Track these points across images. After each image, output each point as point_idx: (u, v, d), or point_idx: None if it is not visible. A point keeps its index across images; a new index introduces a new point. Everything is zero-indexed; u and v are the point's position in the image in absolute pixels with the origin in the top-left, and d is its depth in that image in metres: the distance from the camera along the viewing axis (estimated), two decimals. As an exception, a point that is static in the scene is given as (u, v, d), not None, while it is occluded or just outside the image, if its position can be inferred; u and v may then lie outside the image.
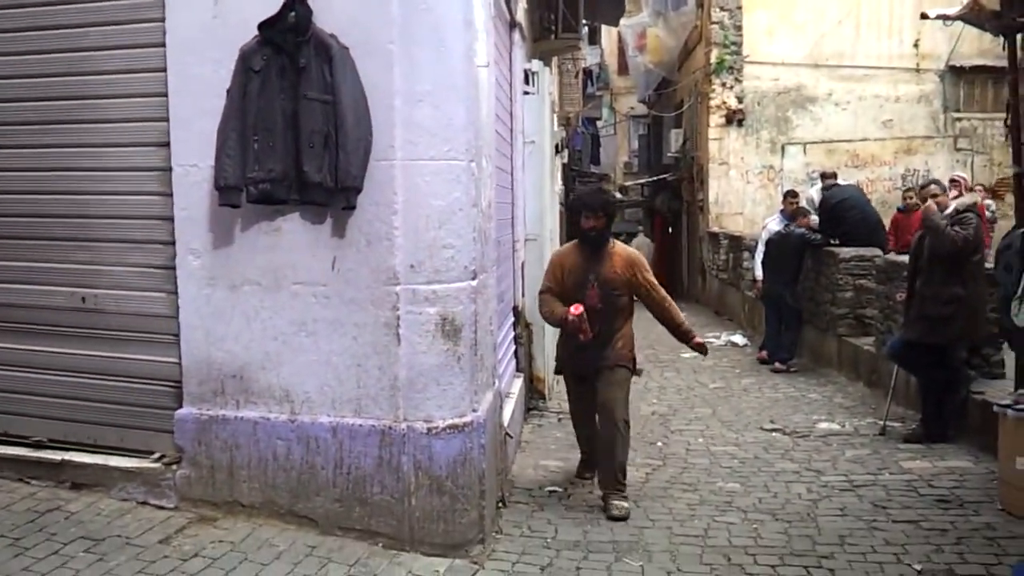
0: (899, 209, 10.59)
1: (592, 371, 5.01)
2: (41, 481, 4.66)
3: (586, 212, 4.99)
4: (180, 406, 4.40)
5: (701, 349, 5.32)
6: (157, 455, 4.48)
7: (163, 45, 4.32)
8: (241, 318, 4.25)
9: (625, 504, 4.75)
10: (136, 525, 4.20)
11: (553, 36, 9.56)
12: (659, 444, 6.25)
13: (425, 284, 3.99)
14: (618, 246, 5.18)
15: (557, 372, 5.59)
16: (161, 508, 4.38)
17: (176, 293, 4.37)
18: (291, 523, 4.18)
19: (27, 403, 4.80)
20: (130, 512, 4.35)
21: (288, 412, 4.18)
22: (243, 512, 4.26)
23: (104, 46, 4.48)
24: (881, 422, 6.65)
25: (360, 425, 4.06)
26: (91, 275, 4.61)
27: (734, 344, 11.46)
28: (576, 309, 4.77)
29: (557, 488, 5.14)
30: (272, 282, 4.19)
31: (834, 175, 10.95)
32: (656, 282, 5.15)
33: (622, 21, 17.68)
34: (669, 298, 5.17)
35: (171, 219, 4.36)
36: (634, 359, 5.12)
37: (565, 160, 16.38)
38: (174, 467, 4.39)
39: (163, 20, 4.30)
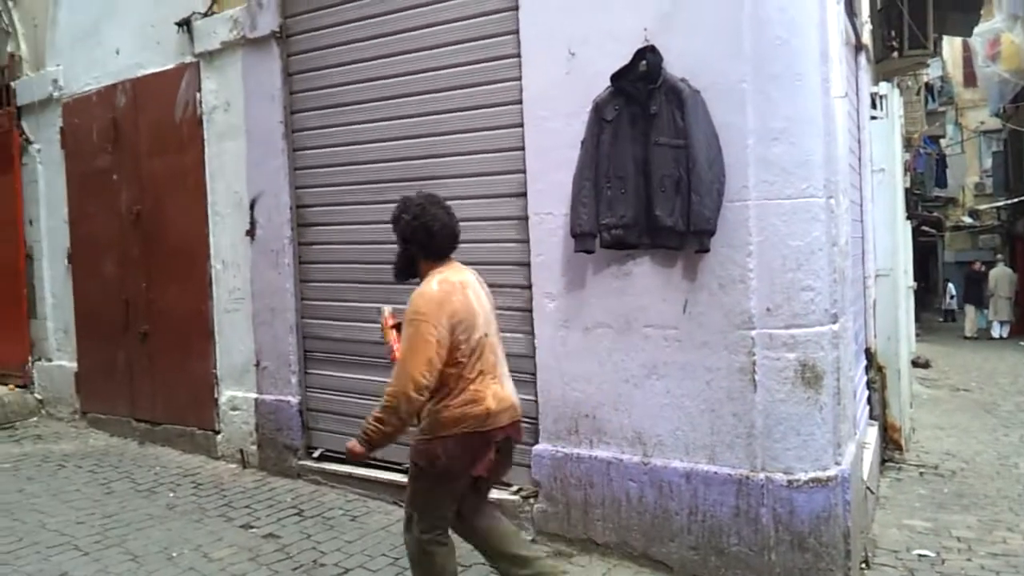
0: None
1: None
2: (413, 506, 5.09)
3: None
4: (536, 442, 4.59)
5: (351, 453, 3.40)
6: (515, 488, 4.70)
7: (519, 102, 4.61)
8: (593, 359, 4.35)
9: None
10: (498, 555, 4.42)
11: (897, 54, 8.88)
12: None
13: (783, 328, 3.82)
14: (425, 282, 3.44)
15: None
16: (520, 540, 4.58)
17: (532, 334, 4.60)
18: (645, 566, 4.17)
19: (400, 433, 5.28)
20: (494, 542, 4.59)
21: (640, 454, 4.20)
22: (597, 551, 4.33)
23: (465, 107, 4.89)
24: None
25: (715, 473, 3.97)
26: (456, 317, 4.98)
27: None
28: None
29: (928, 552, 4.64)
30: (623, 325, 4.25)
31: None
32: (416, 342, 3.23)
33: (972, 29, 16.07)
34: (404, 376, 3.21)
35: (527, 264, 4.61)
36: (434, 453, 3.31)
37: (907, 184, 15.13)
38: (531, 501, 4.58)
39: (519, 79, 4.59)
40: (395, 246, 5.19)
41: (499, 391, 3.43)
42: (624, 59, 4.10)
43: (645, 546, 4.18)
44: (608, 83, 4.14)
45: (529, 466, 4.61)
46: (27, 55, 8.09)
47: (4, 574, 4.32)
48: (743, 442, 3.92)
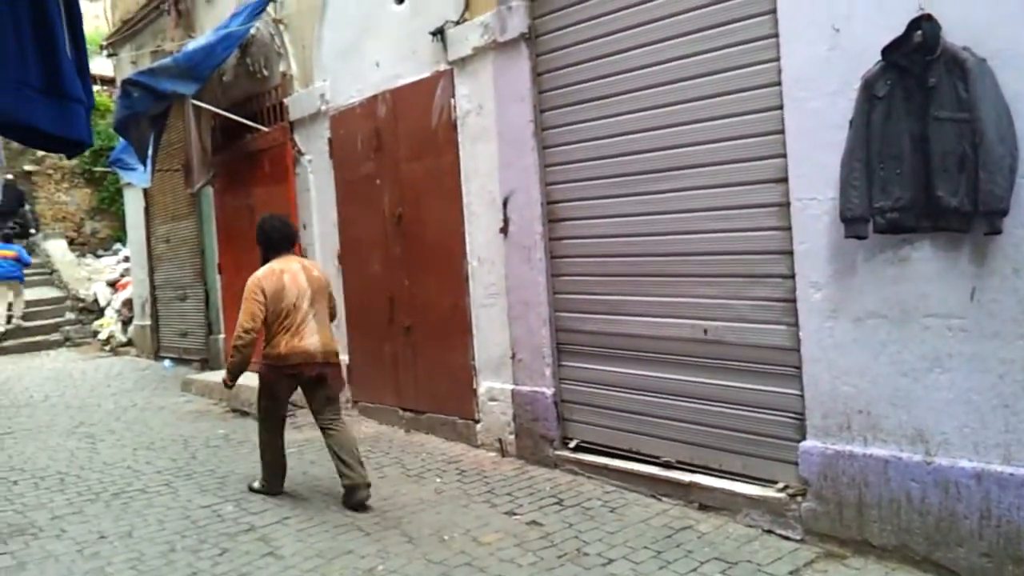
0: None
1: None
2: (671, 499, 5.08)
3: None
4: (803, 438, 4.42)
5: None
6: (781, 485, 4.56)
7: (778, 84, 4.44)
8: (866, 352, 4.12)
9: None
10: (764, 553, 4.32)
11: None
12: None
13: (1093, 316, 3.44)
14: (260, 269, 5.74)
15: None
16: (786, 539, 4.44)
17: (796, 326, 4.43)
18: (928, 571, 3.90)
19: (656, 425, 5.29)
20: (756, 539, 4.49)
21: (922, 453, 3.92)
22: (873, 553, 4.11)
23: (718, 93, 4.79)
24: None
25: (1011, 474, 3.62)
26: (712, 308, 4.91)
27: None
28: None
29: None
30: (899, 315, 3.99)
31: None
32: (244, 305, 5.51)
33: None
34: (237, 324, 5.52)
35: (790, 253, 4.44)
36: (261, 371, 5.73)
37: None
38: (798, 499, 4.42)
39: (777, 60, 4.43)
40: (642, 239, 5.28)
41: (292, 341, 5.45)
42: (895, 31, 3.83)
43: (928, 550, 3.91)
44: (878, 58, 3.89)
45: (796, 463, 4.45)
46: (297, 73, 8.88)
47: (298, 550, 4.78)
48: (1045, 442, 3.56)
